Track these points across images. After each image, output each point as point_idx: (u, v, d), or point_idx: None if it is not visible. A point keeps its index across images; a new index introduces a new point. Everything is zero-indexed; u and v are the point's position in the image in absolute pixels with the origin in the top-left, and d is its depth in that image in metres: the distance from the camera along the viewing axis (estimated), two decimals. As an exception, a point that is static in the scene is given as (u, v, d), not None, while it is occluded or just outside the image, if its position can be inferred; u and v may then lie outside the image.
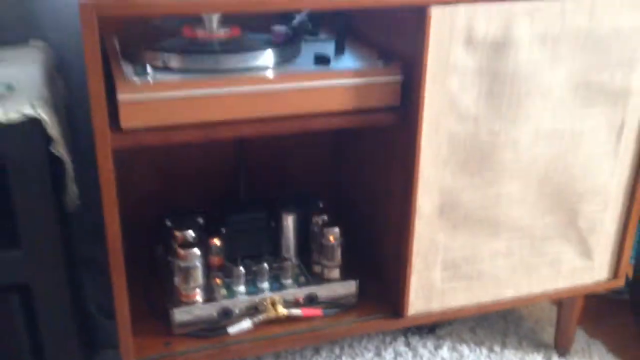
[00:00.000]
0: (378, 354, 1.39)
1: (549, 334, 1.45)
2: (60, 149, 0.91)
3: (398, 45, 1.07)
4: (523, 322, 1.50)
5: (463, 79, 1.03)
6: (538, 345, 1.43)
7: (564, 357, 1.39)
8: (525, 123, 1.09)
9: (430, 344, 1.42)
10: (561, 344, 1.39)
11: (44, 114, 0.88)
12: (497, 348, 1.42)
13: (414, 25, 0.99)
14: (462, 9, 0.98)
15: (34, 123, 0.88)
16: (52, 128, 0.90)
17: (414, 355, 1.39)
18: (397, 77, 1.03)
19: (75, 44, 1.25)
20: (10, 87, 0.95)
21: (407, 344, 1.42)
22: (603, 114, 1.13)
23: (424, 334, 1.45)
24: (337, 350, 1.39)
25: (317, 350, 1.39)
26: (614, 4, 1.05)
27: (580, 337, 1.45)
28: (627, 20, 1.07)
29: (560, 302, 1.37)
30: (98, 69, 0.85)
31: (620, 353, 1.42)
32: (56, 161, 0.94)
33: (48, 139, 0.90)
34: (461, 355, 1.39)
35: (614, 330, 1.50)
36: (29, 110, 0.87)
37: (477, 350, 1.41)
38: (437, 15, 0.97)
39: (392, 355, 1.39)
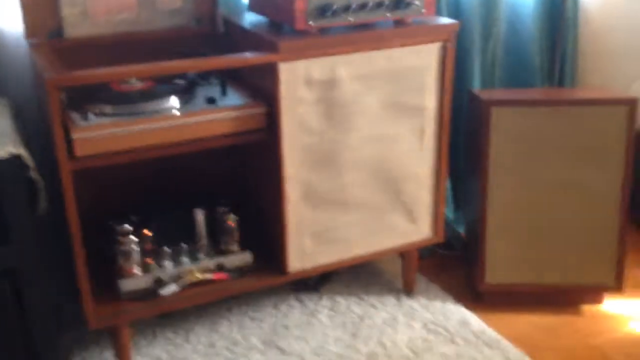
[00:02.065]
0: (276, 307, 1.88)
1: (401, 283, 1.98)
2: (34, 174, 1.35)
3: (264, 85, 1.56)
4: (383, 275, 2.03)
5: (307, 107, 1.54)
6: (392, 290, 1.96)
7: (409, 296, 1.93)
8: (355, 132, 1.61)
9: (314, 298, 1.93)
10: (407, 287, 1.93)
11: (22, 151, 1.32)
12: (364, 296, 1.94)
13: (270, 74, 1.49)
14: (301, 63, 1.48)
15: (16, 157, 1.31)
16: (28, 160, 1.34)
17: (302, 306, 1.89)
18: (263, 109, 1.53)
19: (29, 97, 1.67)
20: (-7, 135, 1.38)
21: (297, 299, 1.92)
22: (408, 123, 1.67)
23: (310, 291, 1.95)
24: (244, 308, 1.88)
25: (229, 309, 1.87)
26: (403, 52, 1.58)
27: (422, 283, 1.99)
28: (414, 61, 1.60)
29: (402, 256, 1.90)
30: (59, 121, 1.30)
31: (451, 292, 1.96)
32: (30, 182, 1.37)
33: (25, 168, 1.34)
34: (337, 303, 1.90)
35: (448, 277, 2.04)
36: (12, 149, 1.31)
37: (349, 298, 1.93)
38: (284, 68, 1.47)
39: (287, 307, 1.88)
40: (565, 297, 1.89)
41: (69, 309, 1.79)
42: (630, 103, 1.73)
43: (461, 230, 2.18)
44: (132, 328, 1.66)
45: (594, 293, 1.88)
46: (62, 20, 1.60)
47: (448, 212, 2.14)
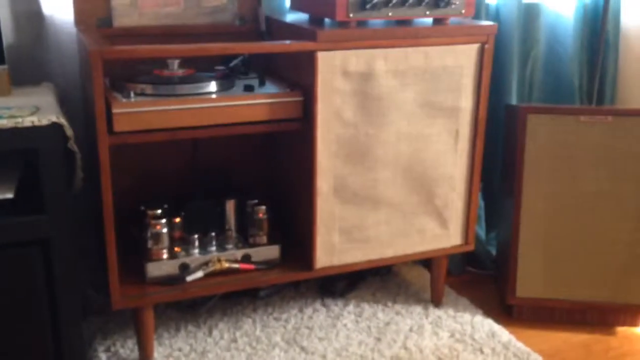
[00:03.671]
0: (301, 310, 1.86)
1: (428, 295, 1.93)
2: (73, 145, 1.38)
3: (301, 77, 1.58)
4: (410, 286, 1.99)
5: (343, 98, 1.55)
6: (420, 300, 1.92)
7: (437, 307, 1.88)
8: (389, 128, 1.61)
9: (340, 304, 1.90)
10: (435, 298, 1.89)
11: (63, 121, 1.36)
12: (390, 304, 1.90)
13: (308, 63, 1.51)
14: (338, 53, 1.51)
15: (57, 126, 1.34)
16: (68, 130, 1.37)
17: (328, 311, 1.86)
18: (299, 98, 1.55)
19: (74, 83, 1.72)
20: (37, 108, 1.42)
21: (323, 304, 1.89)
22: (443, 123, 1.67)
23: (336, 297, 1.92)
24: (269, 309, 1.85)
25: (254, 310, 1.85)
26: (440, 50, 1.59)
27: (450, 296, 1.95)
28: (451, 61, 1.61)
29: (430, 265, 1.86)
30: (101, 92, 1.34)
31: (481, 306, 1.91)
32: (69, 154, 1.40)
33: (65, 138, 1.37)
34: (362, 310, 1.87)
35: (478, 293, 1.99)
36: (54, 118, 1.34)
37: (375, 306, 1.89)
38: (322, 57, 1.50)
39: (311, 311, 1.85)
40: (599, 316, 1.82)
41: (94, 299, 1.80)
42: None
43: (493, 251, 2.14)
44: (156, 320, 1.65)
45: (630, 313, 1.81)
46: (112, 9, 1.66)
47: (480, 231, 2.11)
